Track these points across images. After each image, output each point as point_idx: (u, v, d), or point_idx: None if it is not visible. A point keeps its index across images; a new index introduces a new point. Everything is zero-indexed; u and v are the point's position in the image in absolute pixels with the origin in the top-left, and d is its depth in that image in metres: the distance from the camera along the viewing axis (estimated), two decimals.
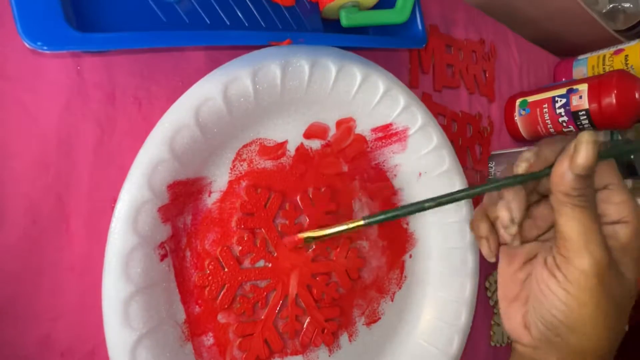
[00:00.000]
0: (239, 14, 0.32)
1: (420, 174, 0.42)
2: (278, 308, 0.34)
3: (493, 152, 0.54)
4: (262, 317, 0.34)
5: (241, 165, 0.34)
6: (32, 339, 0.26)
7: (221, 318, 0.32)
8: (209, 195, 0.33)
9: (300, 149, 0.37)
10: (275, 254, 0.35)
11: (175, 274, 0.31)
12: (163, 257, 0.30)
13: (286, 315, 0.35)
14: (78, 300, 0.28)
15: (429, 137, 0.41)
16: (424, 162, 0.42)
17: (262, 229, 0.34)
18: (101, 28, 0.27)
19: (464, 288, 0.42)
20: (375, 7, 0.36)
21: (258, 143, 0.35)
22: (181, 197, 0.31)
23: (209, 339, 0.32)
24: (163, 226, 0.30)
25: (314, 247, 0.37)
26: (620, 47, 0.58)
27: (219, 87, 0.31)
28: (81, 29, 0.24)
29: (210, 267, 0.32)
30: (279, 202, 0.35)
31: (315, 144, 0.38)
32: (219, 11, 0.31)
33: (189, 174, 0.31)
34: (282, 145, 0.36)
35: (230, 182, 0.33)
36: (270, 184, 0.35)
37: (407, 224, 0.42)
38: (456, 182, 0.43)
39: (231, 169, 0.34)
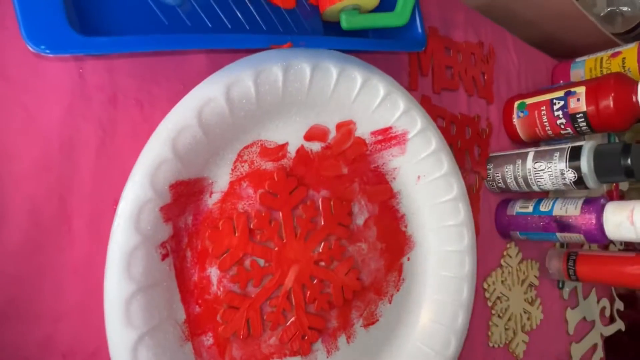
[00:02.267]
0: (240, 17, 0.32)
1: (419, 177, 0.42)
2: (269, 294, 0.34)
3: (492, 154, 0.54)
4: (252, 296, 0.34)
5: (242, 166, 0.34)
6: (33, 340, 0.27)
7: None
8: (210, 196, 0.33)
9: (301, 151, 0.37)
10: (285, 241, 0.35)
11: (175, 274, 0.31)
12: (164, 257, 0.30)
13: (274, 305, 0.34)
14: (80, 301, 0.28)
15: (428, 140, 0.41)
16: (422, 165, 0.42)
17: (280, 213, 0.35)
18: (104, 32, 0.27)
19: (461, 291, 0.42)
20: (376, 10, 0.36)
21: (259, 144, 0.35)
22: (183, 197, 0.31)
23: (208, 339, 0.32)
24: (164, 226, 0.30)
25: (321, 249, 0.37)
26: (617, 49, 0.58)
27: (222, 89, 0.31)
28: (84, 33, 0.25)
29: (224, 225, 0.32)
30: (303, 195, 0.36)
31: (315, 146, 0.38)
32: (221, 14, 0.31)
33: (191, 174, 0.31)
34: (282, 147, 0.36)
35: (231, 183, 0.34)
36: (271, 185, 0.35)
37: (406, 226, 0.43)
38: (454, 186, 0.43)
39: (232, 169, 0.34)
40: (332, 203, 0.38)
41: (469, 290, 0.43)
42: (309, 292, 0.36)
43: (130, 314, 0.27)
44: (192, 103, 0.30)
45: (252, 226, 0.34)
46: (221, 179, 0.33)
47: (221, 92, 0.31)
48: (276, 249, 0.35)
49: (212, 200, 0.33)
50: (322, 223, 0.37)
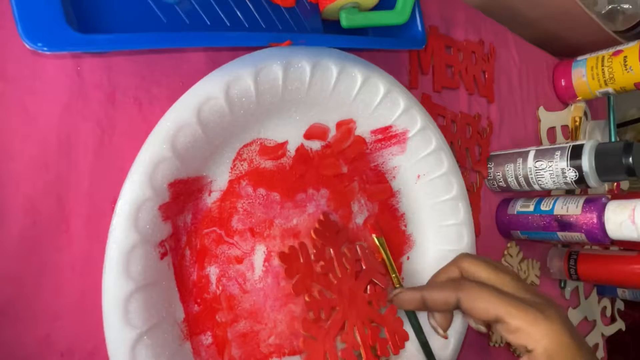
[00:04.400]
0: (239, 15, 0.32)
1: (419, 176, 0.42)
2: (339, 328, 0.34)
3: (492, 153, 0.54)
4: (325, 327, 0.33)
5: (241, 164, 0.34)
6: (31, 339, 0.26)
7: (220, 318, 0.32)
8: (209, 195, 0.33)
9: (301, 149, 0.37)
10: (340, 276, 0.35)
11: (174, 273, 0.31)
12: (163, 256, 0.30)
13: (345, 340, 0.34)
14: (78, 300, 0.28)
15: (428, 139, 0.41)
16: (422, 164, 0.42)
17: (331, 249, 0.35)
18: (102, 29, 0.27)
19: None
20: (375, 8, 0.36)
21: (259, 143, 0.35)
22: (182, 196, 0.31)
23: (207, 338, 0.32)
24: (163, 224, 0.30)
25: (369, 291, 0.37)
26: (619, 48, 0.58)
27: (221, 86, 0.31)
28: (82, 30, 0.24)
29: (289, 250, 0.33)
30: (346, 238, 0.37)
31: (315, 145, 0.38)
32: (219, 12, 0.31)
33: (190, 172, 0.31)
34: (282, 145, 0.36)
35: (231, 182, 0.34)
36: (271, 184, 0.35)
37: (405, 226, 0.43)
38: (454, 185, 0.43)
39: (231, 168, 0.34)
40: (367, 251, 0.38)
41: None
42: (370, 335, 0.36)
43: (129, 313, 0.27)
44: (191, 101, 0.30)
45: (312, 257, 0.34)
46: (220, 178, 0.33)
47: (221, 90, 0.31)
48: (335, 282, 0.35)
49: (211, 199, 0.33)
50: (364, 267, 0.37)
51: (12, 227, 0.26)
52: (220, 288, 0.32)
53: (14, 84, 0.27)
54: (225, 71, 0.31)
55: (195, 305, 0.31)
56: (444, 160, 0.42)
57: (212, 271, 0.32)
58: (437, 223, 0.43)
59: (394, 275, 0.39)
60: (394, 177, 0.42)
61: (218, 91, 0.31)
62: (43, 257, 0.27)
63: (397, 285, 0.39)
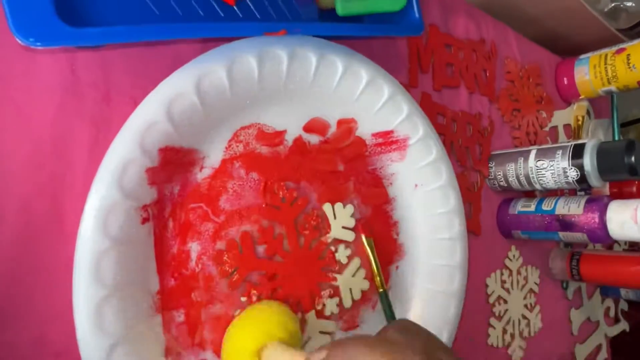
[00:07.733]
0: (233, 5, 0.32)
1: (416, 186, 0.42)
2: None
3: (493, 152, 0.53)
4: None
5: (237, 146, 0.34)
6: (26, 339, 0.26)
7: (195, 297, 0.32)
8: (201, 170, 0.32)
9: (298, 140, 0.37)
10: (290, 252, 0.35)
11: (154, 241, 0.30)
12: (145, 220, 0.29)
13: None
14: (73, 300, 0.27)
15: (428, 149, 0.41)
16: (421, 174, 0.41)
17: (283, 226, 0.35)
18: (94, 22, 0.27)
19: (448, 308, 0.41)
20: None
21: (257, 127, 0.35)
22: (172, 164, 0.30)
23: (179, 316, 0.31)
24: (149, 188, 0.29)
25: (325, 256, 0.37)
26: (622, 46, 0.57)
27: (224, 63, 0.31)
28: (73, 24, 0.24)
29: (229, 246, 0.33)
30: (304, 205, 0.36)
31: (313, 139, 0.37)
32: (212, 2, 0.31)
33: (183, 143, 0.31)
34: (280, 133, 0.36)
35: (224, 161, 0.33)
36: (264, 170, 0.35)
37: (398, 234, 0.42)
38: (451, 198, 0.42)
39: (226, 147, 0.33)
40: (334, 206, 0.38)
41: (455, 308, 0.41)
42: (317, 299, 0.36)
43: (100, 270, 0.26)
44: (192, 72, 0.30)
45: (256, 242, 0.34)
46: (214, 155, 0.33)
47: (222, 67, 0.30)
48: (283, 261, 0.35)
49: (201, 174, 0.32)
50: (328, 230, 0.37)
51: (6, 227, 0.26)
52: (199, 266, 0.32)
53: (7, 82, 0.27)
54: (229, 50, 0.31)
55: (172, 279, 0.31)
56: (443, 172, 0.42)
57: (194, 247, 0.32)
58: (431, 235, 0.42)
59: (378, 277, 0.38)
60: (391, 183, 0.41)
61: (219, 68, 0.30)
62: (38, 256, 0.27)
63: (381, 289, 0.38)
